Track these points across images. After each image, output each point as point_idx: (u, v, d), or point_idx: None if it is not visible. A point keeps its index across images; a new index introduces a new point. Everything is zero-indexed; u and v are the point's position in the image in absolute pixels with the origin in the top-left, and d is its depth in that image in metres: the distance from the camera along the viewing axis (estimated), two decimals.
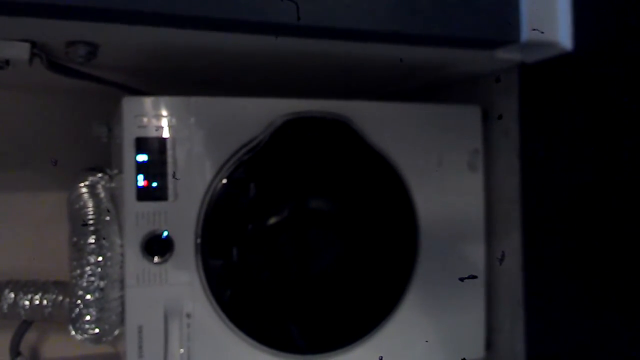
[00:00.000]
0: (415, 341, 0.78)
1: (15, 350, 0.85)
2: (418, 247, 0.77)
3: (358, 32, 0.61)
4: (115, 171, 0.74)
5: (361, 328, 0.75)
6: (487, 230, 0.81)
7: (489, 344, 0.81)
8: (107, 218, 0.73)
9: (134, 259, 0.68)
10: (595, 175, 0.68)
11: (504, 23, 0.65)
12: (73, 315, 0.72)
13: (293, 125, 0.72)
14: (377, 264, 0.77)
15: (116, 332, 0.73)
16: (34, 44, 0.62)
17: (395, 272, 0.77)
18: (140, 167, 0.68)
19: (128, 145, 0.68)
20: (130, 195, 0.68)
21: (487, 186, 0.81)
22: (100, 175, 0.76)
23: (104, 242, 0.71)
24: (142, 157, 0.68)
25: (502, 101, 0.79)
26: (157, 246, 0.68)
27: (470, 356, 0.81)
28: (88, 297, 0.71)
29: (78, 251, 0.71)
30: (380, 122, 0.76)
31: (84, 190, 0.74)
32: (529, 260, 0.76)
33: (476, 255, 0.81)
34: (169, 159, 0.68)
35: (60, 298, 0.78)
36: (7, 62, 0.65)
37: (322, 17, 0.58)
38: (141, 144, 0.68)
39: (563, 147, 0.72)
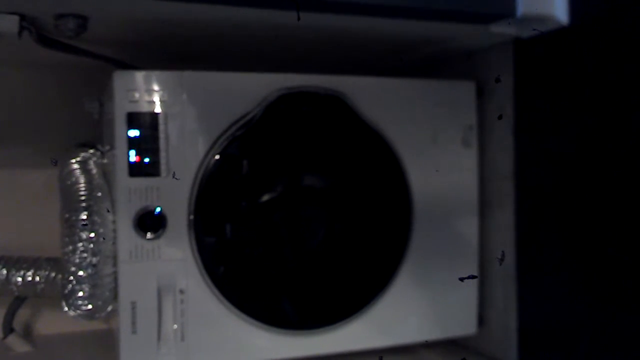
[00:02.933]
0: (408, 317, 0.78)
1: (8, 327, 0.85)
2: (412, 223, 0.77)
3: (353, 5, 0.60)
4: (107, 147, 0.74)
5: (354, 304, 0.76)
6: (481, 206, 0.81)
7: (482, 320, 0.82)
8: (99, 194, 0.72)
9: (126, 235, 0.68)
10: (591, 152, 0.68)
11: None
12: (66, 291, 0.72)
13: (287, 100, 0.72)
14: (370, 240, 0.77)
15: (109, 308, 0.73)
16: (23, 17, 0.61)
17: (388, 247, 0.77)
18: (132, 143, 0.67)
19: (119, 120, 0.67)
20: (122, 171, 0.67)
21: (481, 162, 0.81)
22: (92, 151, 0.75)
23: (96, 218, 0.71)
24: (134, 133, 0.67)
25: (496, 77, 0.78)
26: (149, 222, 0.68)
27: (462, 332, 0.82)
28: (81, 273, 0.71)
29: (70, 227, 0.71)
30: (374, 97, 0.75)
31: (76, 166, 0.74)
32: (522, 236, 0.76)
33: (469, 231, 0.81)
34: (161, 135, 0.68)
35: (53, 274, 0.77)
36: None
37: None
38: (133, 119, 0.67)
39: (558, 123, 0.72)
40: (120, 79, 0.67)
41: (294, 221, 0.74)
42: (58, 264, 0.77)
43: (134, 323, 0.68)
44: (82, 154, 0.74)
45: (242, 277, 0.73)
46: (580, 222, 0.70)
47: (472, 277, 0.79)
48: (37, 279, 0.78)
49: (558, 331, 0.73)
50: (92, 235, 0.70)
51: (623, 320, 0.65)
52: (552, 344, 0.73)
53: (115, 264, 0.70)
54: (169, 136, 0.68)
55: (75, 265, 0.71)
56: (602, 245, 0.67)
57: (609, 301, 0.66)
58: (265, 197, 0.73)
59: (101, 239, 0.70)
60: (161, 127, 0.68)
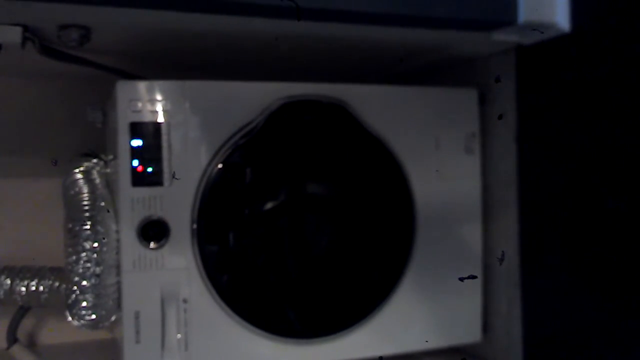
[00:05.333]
0: (412, 325, 0.78)
1: (12, 336, 0.85)
2: (415, 230, 0.77)
3: (355, 14, 0.60)
4: (111, 157, 0.74)
5: (358, 312, 0.76)
6: (484, 213, 0.81)
7: (486, 327, 0.81)
8: (103, 204, 0.72)
9: (129, 245, 0.68)
10: (593, 157, 0.68)
11: (501, 4, 0.64)
12: (69, 301, 0.72)
13: (289, 109, 0.72)
14: (374, 248, 0.76)
15: (113, 318, 0.73)
16: (26, 28, 0.62)
17: (392, 255, 0.77)
18: (135, 152, 0.67)
19: (122, 130, 0.67)
20: (125, 181, 0.67)
21: (484, 169, 0.81)
22: (95, 160, 0.75)
23: (99, 228, 0.71)
24: (137, 142, 0.67)
25: (499, 84, 0.78)
26: (152, 231, 0.68)
27: (467, 339, 0.81)
28: (84, 283, 0.71)
29: (73, 237, 0.71)
30: (376, 105, 0.75)
31: (79, 176, 0.74)
32: (526, 243, 0.76)
33: (473, 238, 0.81)
34: (164, 144, 0.68)
35: (57, 284, 0.77)
36: (0, 46, 0.64)
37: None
38: (136, 129, 0.67)
39: (560, 128, 0.72)
40: (123, 88, 0.67)
41: (297, 229, 0.74)
42: (62, 273, 0.77)
43: (137, 332, 0.68)
44: (86, 164, 0.74)
45: (245, 286, 0.72)
46: (584, 227, 0.69)
47: (472, 277, 0.79)
48: (41, 288, 0.78)
49: (563, 338, 0.72)
50: (96, 245, 0.70)
51: (629, 326, 0.65)
52: (557, 351, 0.73)
53: (118, 274, 0.69)
54: (171, 145, 0.68)
55: (78, 275, 0.71)
56: (606, 250, 0.67)
57: (614, 307, 0.66)
58: (268, 205, 0.73)
59: (104, 249, 0.70)
60: (164, 137, 0.68)
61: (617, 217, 0.65)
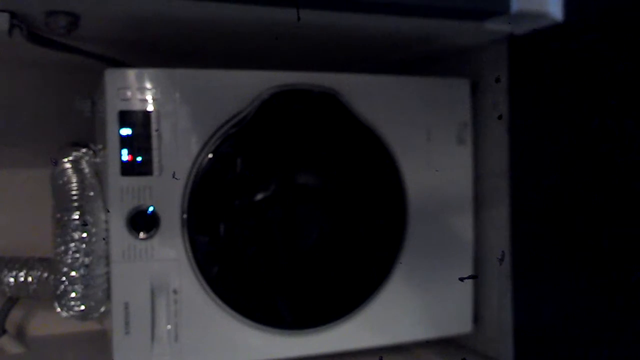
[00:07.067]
0: (403, 316, 0.78)
1: (0, 328, 0.84)
2: (406, 221, 0.77)
3: (347, 2, 0.60)
4: (100, 146, 0.73)
5: (349, 303, 0.75)
6: (476, 203, 0.81)
7: (477, 318, 0.81)
8: (92, 194, 0.72)
9: (119, 235, 0.67)
10: (585, 148, 0.68)
11: None
12: (58, 292, 0.71)
13: (280, 98, 0.71)
14: (365, 239, 0.76)
15: (102, 309, 0.72)
16: (13, 14, 0.61)
17: (383, 246, 0.77)
18: (124, 141, 0.67)
19: (111, 118, 0.66)
20: (114, 170, 0.67)
21: (476, 159, 0.80)
22: (84, 150, 0.75)
23: (88, 218, 0.70)
24: (126, 131, 0.67)
25: (491, 74, 0.78)
26: (142, 222, 0.67)
27: (458, 330, 0.81)
28: (73, 273, 0.70)
29: (62, 227, 0.71)
30: (368, 95, 0.75)
31: (68, 165, 0.73)
32: (517, 234, 0.76)
33: (464, 229, 0.80)
34: (154, 133, 0.67)
35: (46, 275, 0.77)
36: None
37: None
38: (125, 118, 0.67)
39: (553, 119, 0.72)
40: (112, 77, 0.67)
41: (288, 220, 0.74)
42: (50, 264, 0.76)
43: (127, 324, 0.68)
44: (75, 153, 0.74)
45: (236, 277, 0.72)
46: (575, 219, 0.69)
47: (472, 277, 0.79)
48: (30, 279, 0.77)
49: (553, 329, 0.73)
50: (85, 235, 0.70)
51: (618, 318, 0.65)
52: (547, 342, 0.73)
53: (108, 264, 0.69)
54: (161, 135, 0.67)
55: (67, 265, 0.70)
56: (597, 242, 0.67)
57: (604, 299, 0.66)
58: (259, 196, 0.72)
59: (93, 239, 0.70)
60: (154, 126, 0.67)
61: (608, 210, 0.65)
